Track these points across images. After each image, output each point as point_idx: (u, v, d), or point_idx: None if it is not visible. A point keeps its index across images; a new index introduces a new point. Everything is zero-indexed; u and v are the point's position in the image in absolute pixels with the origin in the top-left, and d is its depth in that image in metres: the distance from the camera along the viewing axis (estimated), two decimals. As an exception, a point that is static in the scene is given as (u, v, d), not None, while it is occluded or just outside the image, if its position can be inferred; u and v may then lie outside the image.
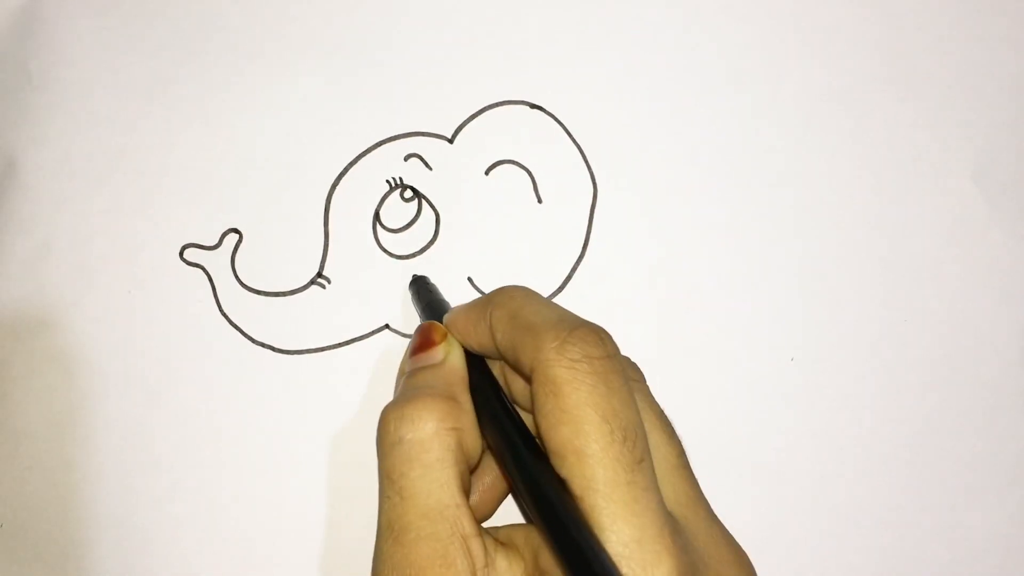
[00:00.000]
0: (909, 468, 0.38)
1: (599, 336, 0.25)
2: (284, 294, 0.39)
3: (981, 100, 0.41)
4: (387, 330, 0.39)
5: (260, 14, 0.42)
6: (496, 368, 0.30)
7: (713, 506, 0.29)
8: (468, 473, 0.27)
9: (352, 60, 0.41)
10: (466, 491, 0.26)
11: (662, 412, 0.28)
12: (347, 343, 0.39)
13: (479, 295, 0.39)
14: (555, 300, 0.39)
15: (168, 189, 0.40)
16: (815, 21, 0.42)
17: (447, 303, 0.35)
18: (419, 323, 0.34)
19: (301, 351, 0.39)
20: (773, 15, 0.42)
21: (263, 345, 0.39)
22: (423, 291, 0.37)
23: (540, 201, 0.40)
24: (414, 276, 0.39)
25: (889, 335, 0.39)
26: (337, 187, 0.40)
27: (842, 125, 0.41)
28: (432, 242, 0.40)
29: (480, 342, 0.29)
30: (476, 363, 0.30)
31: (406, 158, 0.41)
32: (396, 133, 0.41)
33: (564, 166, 0.41)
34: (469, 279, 0.40)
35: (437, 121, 0.41)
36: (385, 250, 0.40)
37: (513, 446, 0.26)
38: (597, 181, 0.40)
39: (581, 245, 0.40)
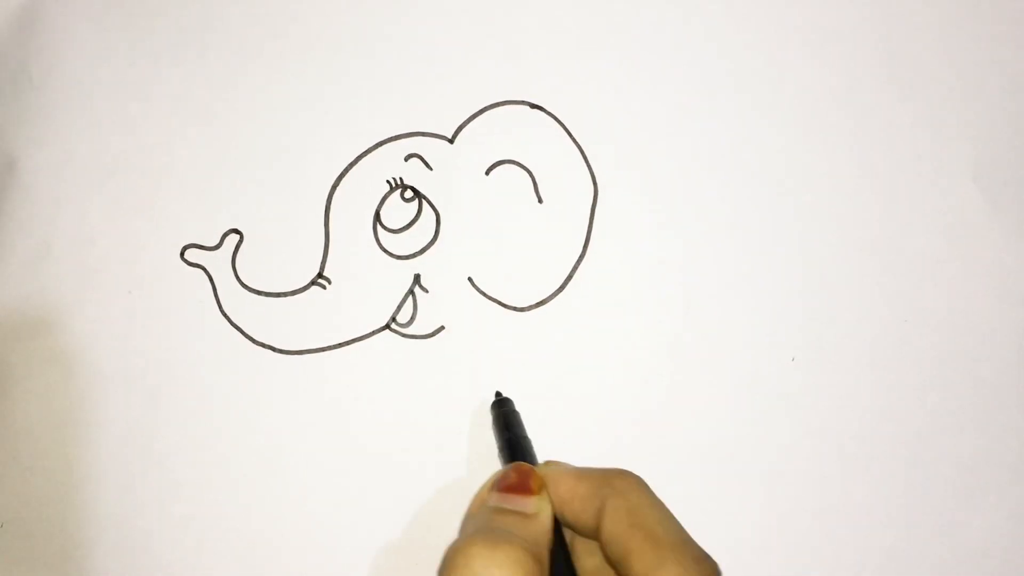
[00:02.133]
0: (909, 468, 0.38)
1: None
2: (285, 294, 0.39)
3: (981, 100, 0.41)
4: (387, 330, 0.39)
5: (260, 14, 0.42)
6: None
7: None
8: None
9: (352, 60, 0.41)
10: None
11: None
12: (347, 343, 0.39)
13: (481, 297, 0.39)
14: (555, 300, 0.39)
15: (169, 189, 0.40)
16: (815, 21, 0.42)
17: (530, 441, 0.34)
18: (500, 452, 0.34)
19: (301, 351, 0.39)
20: (773, 15, 0.42)
21: (264, 345, 0.39)
22: (505, 420, 0.35)
23: (540, 201, 0.40)
24: (497, 397, 0.37)
25: (889, 335, 0.39)
26: (337, 187, 0.40)
27: (842, 125, 0.41)
28: (432, 242, 0.40)
29: (580, 518, 0.28)
30: (558, 530, 0.29)
31: (406, 158, 0.40)
32: (396, 133, 0.41)
33: (564, 166, 0.41)
34: (469, 279, 0.40)
35: (437, 121, 0.41)
36: (385, 250, 0.40)
37: None
38: (597, 181, 0.40)
39: (581, 245, 0.40)
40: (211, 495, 0.38)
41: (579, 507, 0.28)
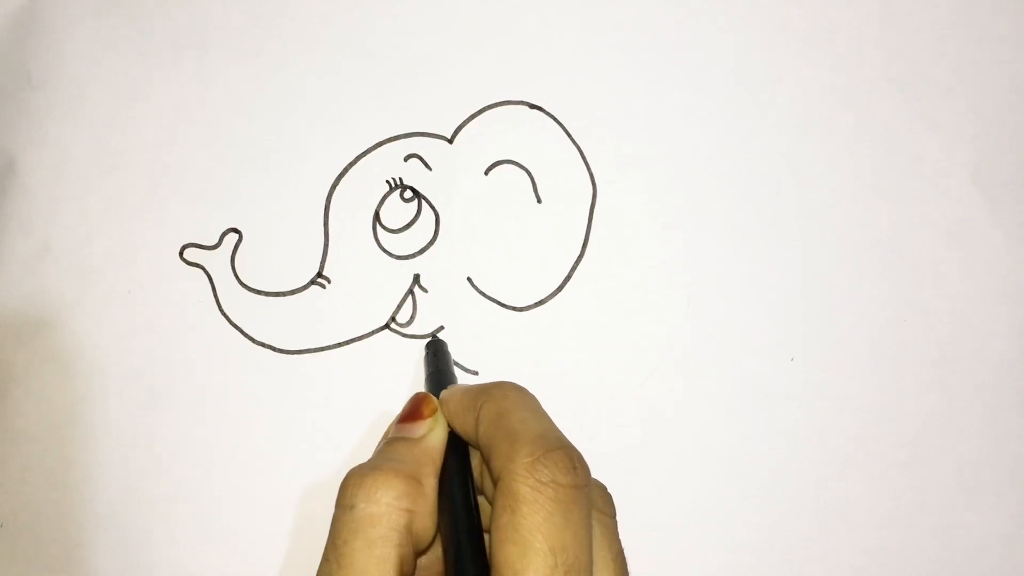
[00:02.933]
0: (909, 468, 0.38)
1: (572, 463, 0.25)
2: (284, 294, 0.39)
3: (981, 100, 0.41)
4: (387, 330, 0.39)
5: (260, 13, 0.42)
6: (478, 457, 0.30)
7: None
8: (413, 556, 0.27)
9: (352, 60, 0.41)
10: (407, 573, 0.26)
11: (620, 552, 0.27)
12: (347, 343, 0.39)
13: (480, 297, 0.39)
14: (554, 300, 0.39)
15: (168, 189, 0.40)
16: (815, 21, 0.42)
17: (454, 376, 0.35)
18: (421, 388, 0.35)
19: (301, 351, 0.39)
20: (773, 15, 0.42)
21: (263, 345, 0.39)
22: (434, 357, 0.36)
23: (540, 201, 0.40)
24: (432, 337, 0.38)
25: (889, 335, 0.39)
26: (337, 187, 0.40)
27: (842, 125, 0.41)
28: (432, 242, 0.40)
29: (464, 430, 0.29)
30: (458, 447, 0.29)
31: (406, 158, 0.41)
32: (396, 133, 0.41)
33: (564, 166, 0.41)
34: (469, 279, 0.40)
35: (437, 121, 0.41)
36: (385, 250, 0.40)
37: (459, 545, 0.26)
38: (597, 181, 0.40)
39: (581, 245, 0.40)
40: (211, 495, 0.38)
41: (463, 419, 0.29)
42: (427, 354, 0.37)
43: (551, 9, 0.42)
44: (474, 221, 0.40)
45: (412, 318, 0.39)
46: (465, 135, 0.41)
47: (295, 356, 0.39)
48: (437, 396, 0.31)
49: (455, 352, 0.39)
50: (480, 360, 0.39)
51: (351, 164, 0.40)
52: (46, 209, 0.40)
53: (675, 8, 0.42)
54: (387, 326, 0.39)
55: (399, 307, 0.39)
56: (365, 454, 0.38)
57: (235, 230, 0.40)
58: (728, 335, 0.39)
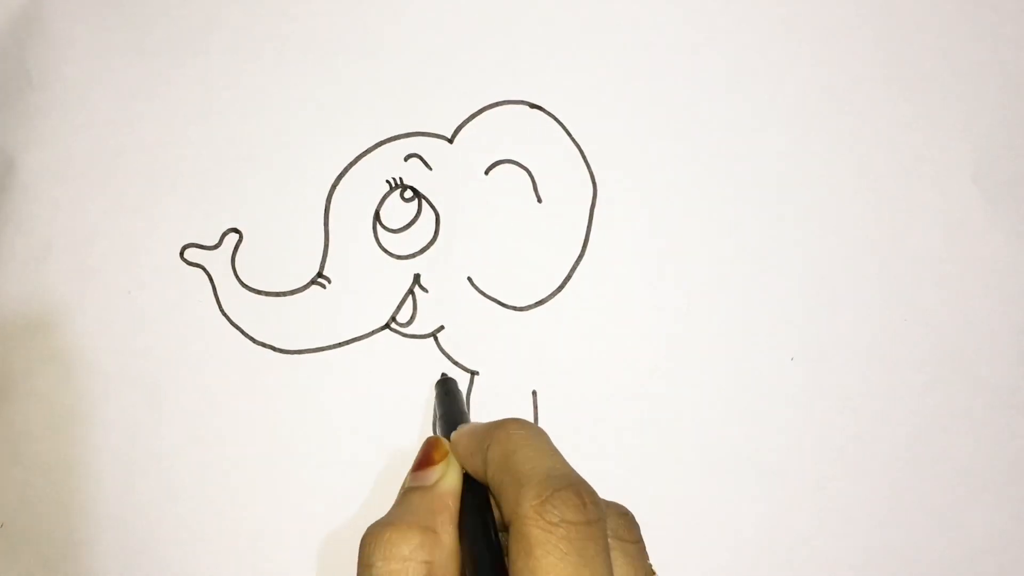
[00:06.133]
0: (909, 468, 0.38)
1: (581, 500, 0.24)
2: (284, 294, 0.40)
3: (981, 100, 0.41)
4: (387, 330, 0.39)
5: (260, 14, 0.42)
6: None
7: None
8: None
9: (352, 60, 0.41)
10: None
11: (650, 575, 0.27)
12: (347, 343, 0.39)
13: (481, 297, 0.39)
14: (554, 300, 0.39)
15: (168, 189, 0.40)
16: (815, 21, 0.42)
17: (466, 414, 0.34)
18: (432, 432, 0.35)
19: (301, 351, 0.39)
20: (773, 15, 0.42)
21: (263, 345, 0.39)
22: (444, 397, 0.36)
23: (540, 201, 0.40)
24: (442, 376, 0.38)
25: (889, 335, 0.39)
26: (337, 187, 0.40)
27: (842, 125, 0.41)
28: (432, 242, 0.40)
29: (476, 472, 0.28)
30: (476, 488, 0.29)
31: (406, 158, 0.41)
32: (396, 133, 0.41)
33: (564, 166, 0.41)
34: (469, 279, 0.40)
35: (437, 121, 0.41)
36: (385, 250, 0.40)
37: None
38: (597, 181, 0.40)
39: (581, 245, 0.40)
40: (211, 495, 0.38)
41: (472, 462, 0.28)
42: (438, 394, 0.37)
43: (551, 9, 0.42)
44: (474, 221, 0.40)
45: (412, 318, 0.39)
46: (465, 135, 0.41)
47: (295, 356, 0.39)
48: (449, 439, 0.30)
49: (455, 352, 0.39)
50: (480, 360, 0.39)
51: (351, 164, 0.40)
52: (46, 209, 0.40)
53: (675, 8, 0.42)
54: (387, 326, 0.39)
55: (399, 307, 0.39)
56: (366, 453, 0.38)
57: (235, 230, 0.40)
58: (728, 335, 0.39)
